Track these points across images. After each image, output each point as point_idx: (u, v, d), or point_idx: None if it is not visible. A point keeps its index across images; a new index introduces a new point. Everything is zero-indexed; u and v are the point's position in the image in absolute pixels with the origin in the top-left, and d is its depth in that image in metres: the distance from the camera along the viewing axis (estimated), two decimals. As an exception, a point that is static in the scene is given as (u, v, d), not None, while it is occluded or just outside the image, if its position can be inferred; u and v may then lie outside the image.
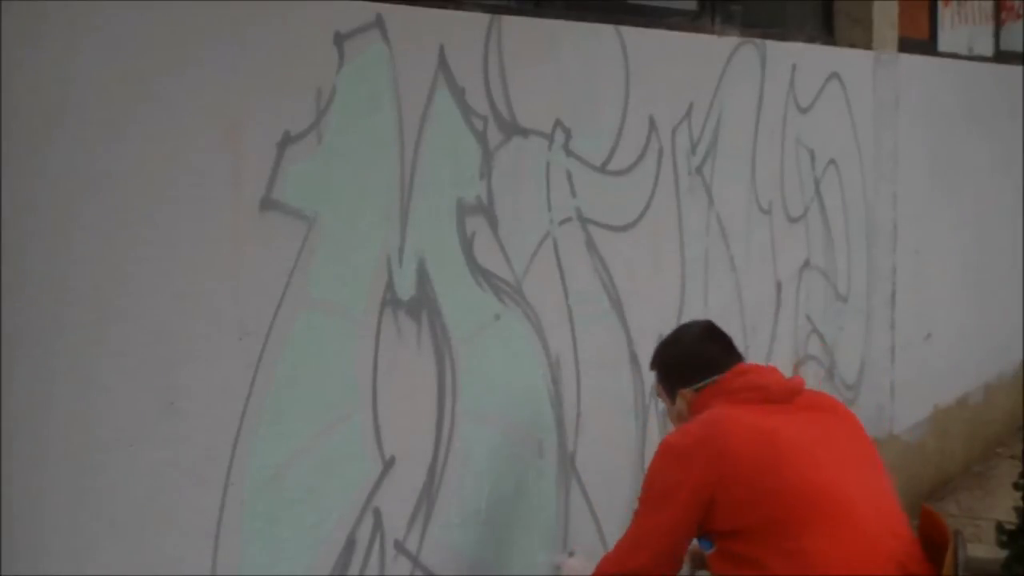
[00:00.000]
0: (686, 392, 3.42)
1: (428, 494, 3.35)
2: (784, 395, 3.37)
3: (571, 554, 3.83)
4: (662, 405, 4.33)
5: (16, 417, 2.34)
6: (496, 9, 3.61)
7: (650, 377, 4.26)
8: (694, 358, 3.46)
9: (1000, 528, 4.88)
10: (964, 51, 7.24)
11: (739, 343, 4.81)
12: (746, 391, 3.34)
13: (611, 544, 4.09)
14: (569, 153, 3.85)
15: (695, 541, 3.35)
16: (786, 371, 5.15)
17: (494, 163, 3.53)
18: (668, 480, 3.24)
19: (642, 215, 4.21)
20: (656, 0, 4.47)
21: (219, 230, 2.73)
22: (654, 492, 3.29)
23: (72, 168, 2.43)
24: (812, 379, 5.32)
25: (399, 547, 3.25)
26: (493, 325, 3.57)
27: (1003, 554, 4.82)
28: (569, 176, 3.86)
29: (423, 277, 3.30)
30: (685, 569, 3.56)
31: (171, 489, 2.64)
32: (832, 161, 5.45)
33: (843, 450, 3.30)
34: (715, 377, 3.39)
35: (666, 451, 3.29)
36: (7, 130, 2.30)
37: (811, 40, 5.47)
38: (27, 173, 2.34)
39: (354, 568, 3.11)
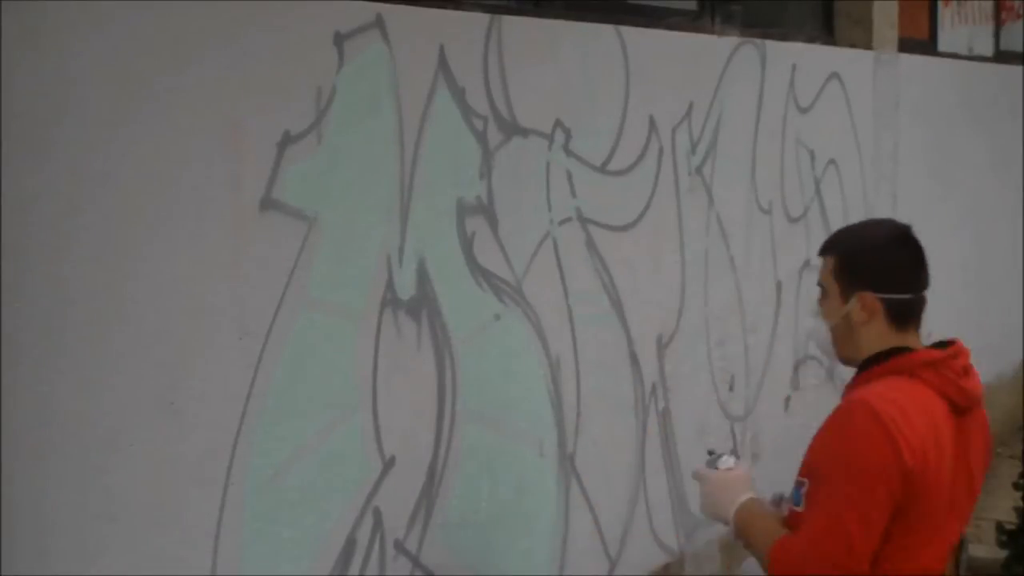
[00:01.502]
0: (869, 298, 2.88)
1: (428, 494, 3.35)
2: (968, 405, 2.92)
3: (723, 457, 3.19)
4: (662, 406, 4.34)
5: (16, 417, 2.34)
6: (496, 9, 3.60)
7: (651, 375, 4.27)
8: (893, 263, 2.92)
9: (1000, 528, 4.88)
10: (964, 51, 7.24)
11: (739, 343, 4.83)
12: (948, 385, 2.87)
13: (610, 545, 4.10)
14: (569, 153, 3.85)
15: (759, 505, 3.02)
16: (786, 373, 5.17)
17: (494, 163, 3.53)
18: (883, 459, 2.74)
19: (642, 215, 4.21)
20: (656, 0, 4.47)
21: (219, 230, 2.73)
22: (865, 478, 2.75)
23: (72, 168, 2.43)
24: (812, 379, 5.33)
25: (399, 547, 3.25)
26: (493, 325, 3.56)
27: (1003, 554, 4.82)
28: (569, 176, 3.86)
29: (423, 277, 3.30)
30: (719, 567, 3.42)
31: (171, 489, 2.64)
32: (832, 161, 5.44)
33: (966, 505, 2.94)
34: (908, 296, 2.90)
35: (875, 420, 2.75)
36: (7, 130, 2.30)
37: (811, 40, 5.47)
38: (27, 173, 2.34)
39: (354, 568, 3.11)
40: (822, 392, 5.38)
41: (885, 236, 2.97)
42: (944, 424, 2.84)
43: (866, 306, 2.89)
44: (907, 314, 2.92)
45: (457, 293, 3.42)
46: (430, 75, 3.31)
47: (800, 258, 5.20)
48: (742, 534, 3.02)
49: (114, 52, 2.50)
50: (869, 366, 2.90)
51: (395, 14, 3.17)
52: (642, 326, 4.21)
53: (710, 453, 3.15)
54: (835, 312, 2.93)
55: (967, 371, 2.93)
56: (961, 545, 3.07)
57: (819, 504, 2.81)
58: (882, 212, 5.86)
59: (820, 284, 2.98)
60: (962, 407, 2.89)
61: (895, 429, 2.74)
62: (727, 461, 3.10)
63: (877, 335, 2.90)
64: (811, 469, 2.86)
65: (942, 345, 2.95)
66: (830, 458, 2.82)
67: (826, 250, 2.98)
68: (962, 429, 2.89)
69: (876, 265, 2.90)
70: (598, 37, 3.99)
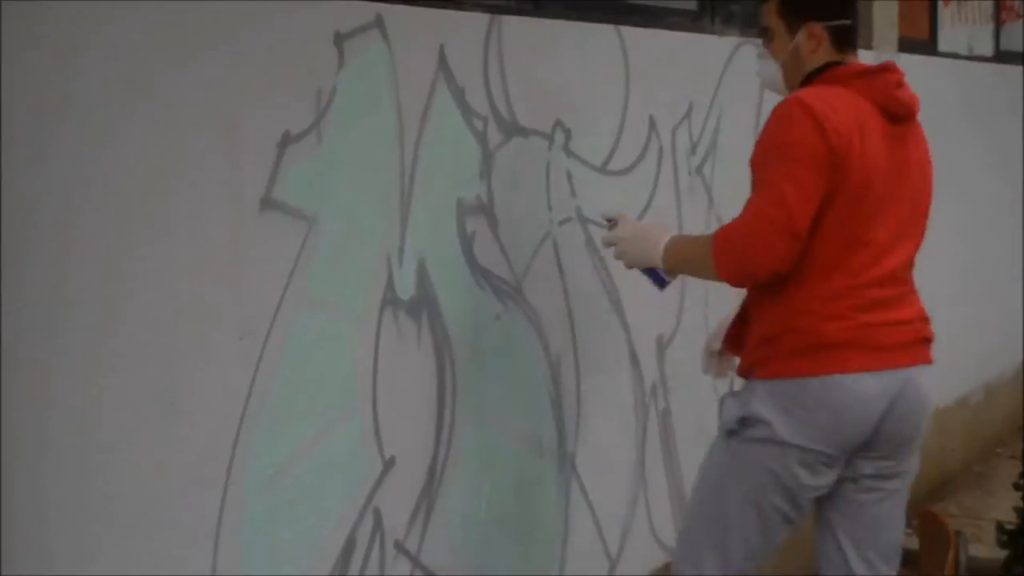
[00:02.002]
0: (815, 27, 3.18)
1: (428, 494, 3.35)
2: (903, 113, 3.21)
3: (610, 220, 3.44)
4: (662, 406, 4.34)
5: (16, 417, 2.34)
6: (496, 9, 3.60)
7: (651, 375, 4.27)
8: None
9: (1000, 528, 4.88)
10: (964, 51, 7.23)
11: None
12: (879, 93, 3.16)
13: (610, 545, 4.10)
14: (569, 153, 3.85)
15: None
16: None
17: (494, 163, 3.53)
18: (813, 142, 3.03)
19: (642, 215, 4.21)
20: (656, 0, 4.47)
21: (219, 230, 2.73)
22: (798, 156, 3.04)
23: (72, 168, 2.43)
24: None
25: (399, 547, 3.25)
26: (493, 325, 3.56)
27: (1003, 554, 4.82)
28: (569, 176, 3.86)
29: (423, 277, 3.30)
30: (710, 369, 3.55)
31: (171, 489, 2.64)
32: (832, 161, 5.44)
33: (908, 218, 3.27)
34: (847, 21, 3.19)
35: (806, 111, 3.05)
36: (7, 130, 2.30)
37: (811, 40, 5.46)
38: (27, 173, 2.34)
39: (354, 568, 3.11)
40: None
41: None
42: (873, 122, 3.12)
43: (813, 35, 3.18)
44: (846, 38, 3.23)
45: (457, 293, 3.42)
46: (430, 75, 3.31)
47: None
48: (678, 260, 3.26)
49: (114, 52, 2.50)
50: (809, 80, 3.20)
51: (395, 14, 3.17)
52: (642, 326, 4.21)
53: (608, 220, 3.41)
54: (784, 48, 3.22)
55: (900, 84, 3.22)
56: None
57: (758, 184, 3.13)
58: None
59: (765, 28, 3.27)
60: (897, 115, 3.18)
61: (822, 116, 3.03)
62: (625, 217, 3.37)
63: (821, 60, 3.19)
64: (754, 163, 3.18)
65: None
66: (767, 146, 3.14)
67: None
68: (899, 135, 3.19)
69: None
70: (598, 37, 3.99)
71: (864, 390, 3.10)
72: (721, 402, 3.31)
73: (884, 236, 3.17)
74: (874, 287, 3.14)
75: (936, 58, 6.75)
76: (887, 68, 3.23)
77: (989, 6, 7.59)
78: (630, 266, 3.37)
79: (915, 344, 3.24)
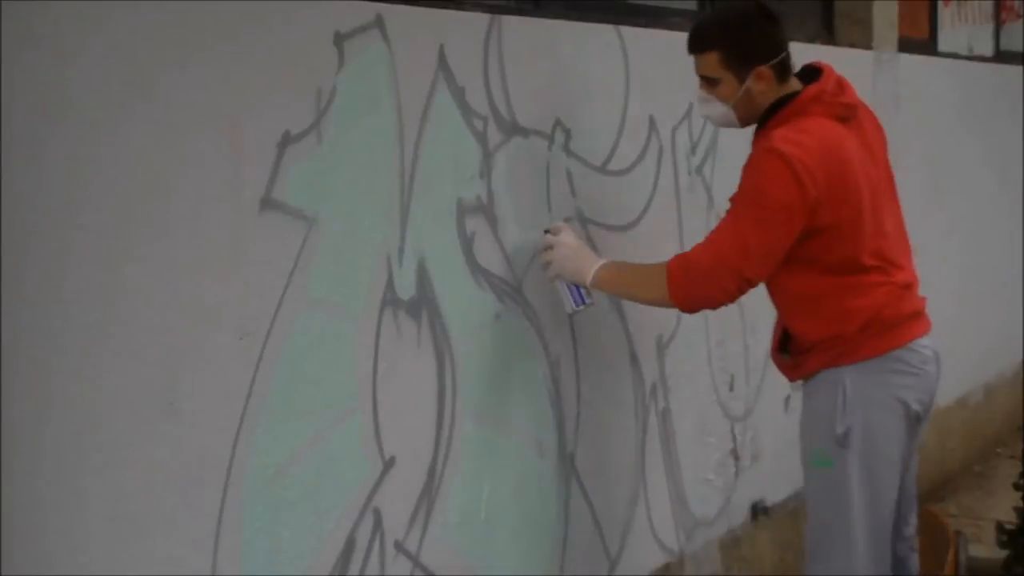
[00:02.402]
0: (762, 70, 3.41)
1: (428, 494, 3.34)
2: (852, 114, 3.50)
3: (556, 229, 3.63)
4: (662, 406, 4.34)
5: (15, 417, 2.34)
6: (496, 9, 3.60)
7: (651, 375, 4.27)
8: (767, 33, 3.45)
9: (1000, 528, 4.88)
10: (964, 51, 7.23)
11: (739, 343, 4.83)
12: (833, 108, 3.43)
13: (610, 545, 4.10)
14: (569, 153, 3.85)
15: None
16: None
17: (494, 163, 3.53)
18: (788, 196, 3.28)
19: (642, 215, 4.21)
20: (656, 0, 4.47)
21: (219, 230, 2.73)
22: (771, 206, 3.30)
23: (72, 168, 2.43)
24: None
25: (399, 547, 3.25)
26: (493, 325, 3.56)
27: (1003, 554, 4.82)
28: (569, 176, 3.86)
29: (423, 277, 3.30)
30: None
31: (171, 489, 2.64)
32: (832, 161, 5.44)
33: (886, 193, 3.59)
34: (784, 53, 3.44)
35: (785, 163, 3.29)
36: (6, 130, 2.30)
37: (811, 40, 5.47)
38: (27, 173, 2.34)
39: (354, 568, 3.11)
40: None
41: (747, 15, 3.47)
42: (839, 136, 3.40)
43: (761, 77, 3.41)
44: (788, 67, 3.48)
45: (457, 293, 3.42)
46: (430, 75, 3.31)
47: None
48: (619, 282, 3.53)
49: (113, 51, 2.50)
50: (768, 117, 3.44)
51: (395, 14, 3.17)
52: (642, 326, 4.21)
53: (547, 231, 3.57)
54: (733, 94, 3.45)
55: (842, 87, 3.50)
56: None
57: (729, 220, 3.36)
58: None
59: (706, 77, 3.49)
60: (849, 116, 3.47)
61: (799, 165, 3.27)
62: (567, 231, 3.53)
63: (771, 94, 3.44)
64: (733, 197, 3.40)
65: (810, 74, 3.50)
66: (745, 189, 3.36)
67: (700, 47, 3.49)
68: (855, 128, 3.49)
69: (758, 43, 3.42)
70: (598, 37, 3.99)
71: (926, 352, 3.55)
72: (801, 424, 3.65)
73: (890, 221, 3.55)
74: (896, 269, 3.52)
75: (936, 58, 6.75)
76: (826, 78, 3.47)
77: (989, 6, 7.59)
78: (554, 276, 3.57)
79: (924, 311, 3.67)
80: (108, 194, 2.49)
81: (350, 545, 3.10)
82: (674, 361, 4.40)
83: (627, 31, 4.09)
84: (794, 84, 3.48)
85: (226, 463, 2.76)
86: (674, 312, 4.39)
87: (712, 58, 3.46)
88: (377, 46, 3.13)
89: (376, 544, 3.18)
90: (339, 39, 3.01)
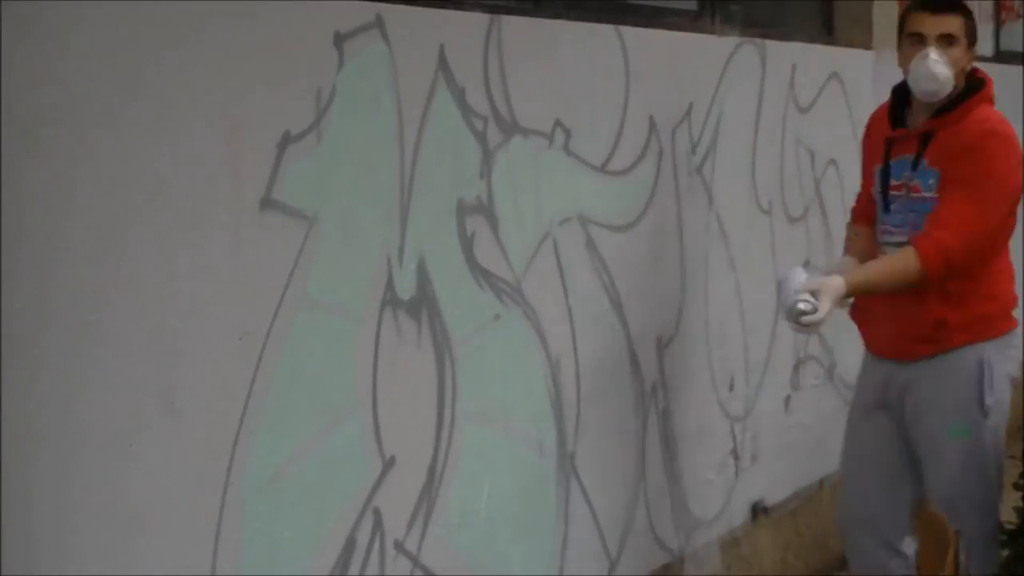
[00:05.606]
0: (973, 53, 3.96)
1: (428, 494, 3.34)
2: None
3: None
4: (662, 406, 4.34)
5: (14, 417, 2.34)
6: (496, 9, 3.60)
7: (651, 375, 4.27)
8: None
9: (1000, 528, 4.87)
10: (964, 51, 7.22)
11: (739, 343, 4.83)
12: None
13: (610, 545, 4.10)
14: (569, 153, 3.85)
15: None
16: (786, 372, 5.16)
17: (494, 163, 3.53)
18: (1014, 177, 3.78)
19: (642, 215, 4.21)
20: (656, 0, 4.47)
21: (219, 230, 2.73)
22: (1011, 192, 3.80)
23: (70, 168, 2.42)
24: (812, 379, 5.33)
25: (399, 547, 3.25)
26: (493, 325, 3.56)
27: (1003, 554, 4.81)
28: (569, 176, 3.85)
29: (423, 277, 3.30)
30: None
31: (171, 489, 2.64)
32: (832, 161, 5.44)
33: None
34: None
35: (1009, 143, 3.81)
36: (6, 129, 2.30)
37: (811, 40, 5.47)
38: (26, 173, 2.34)
39: (354, 568, 3.11)
40: (822, 392, 5.39)
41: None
42: None
43: (971, 57, 3.94)
44: None
45: (457, 293, 3.42)
46: (430, 75, 3.31)
47: (800, 258, 5.19)
48: (869, 287, 3.81)
49: (113, 51, 2.50)
50: (969, 96, 3.89)
51: (395, 14, 3.17)
52: (642, 326, 4.21)
53: (804, 302, 3.61)
54: (963, 60, 3.87)
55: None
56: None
57: (978, 200, 3.73)
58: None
59: (950, 36, 3.86)
60: None
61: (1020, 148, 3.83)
62: (808, 299, 3.59)
63: (962, 76, 3.89)
64: (955, 175, 3.75)
65: None
66: (982, 175, 3.74)
67: (954, 8, 3.90)
68: None
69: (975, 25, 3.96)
70: (598, 37, 3.99)
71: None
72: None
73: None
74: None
75: (936, 58, 6.73)
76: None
77: (989, 6, 7.59)
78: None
79: None
80: (108, 194, 2.49)
81: (350, 545, 3.10)
82: (674, 361, 4.40)
83: (627, 31, 4.09)
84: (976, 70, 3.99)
85: (226, 463, 2.76)
86: (674, 312, 4.40)
87: (958, 21, 3.87)
88: (377, 46, 3.13)
89: (376, 544, 3.18)
90: (339, 39, 3.01)
